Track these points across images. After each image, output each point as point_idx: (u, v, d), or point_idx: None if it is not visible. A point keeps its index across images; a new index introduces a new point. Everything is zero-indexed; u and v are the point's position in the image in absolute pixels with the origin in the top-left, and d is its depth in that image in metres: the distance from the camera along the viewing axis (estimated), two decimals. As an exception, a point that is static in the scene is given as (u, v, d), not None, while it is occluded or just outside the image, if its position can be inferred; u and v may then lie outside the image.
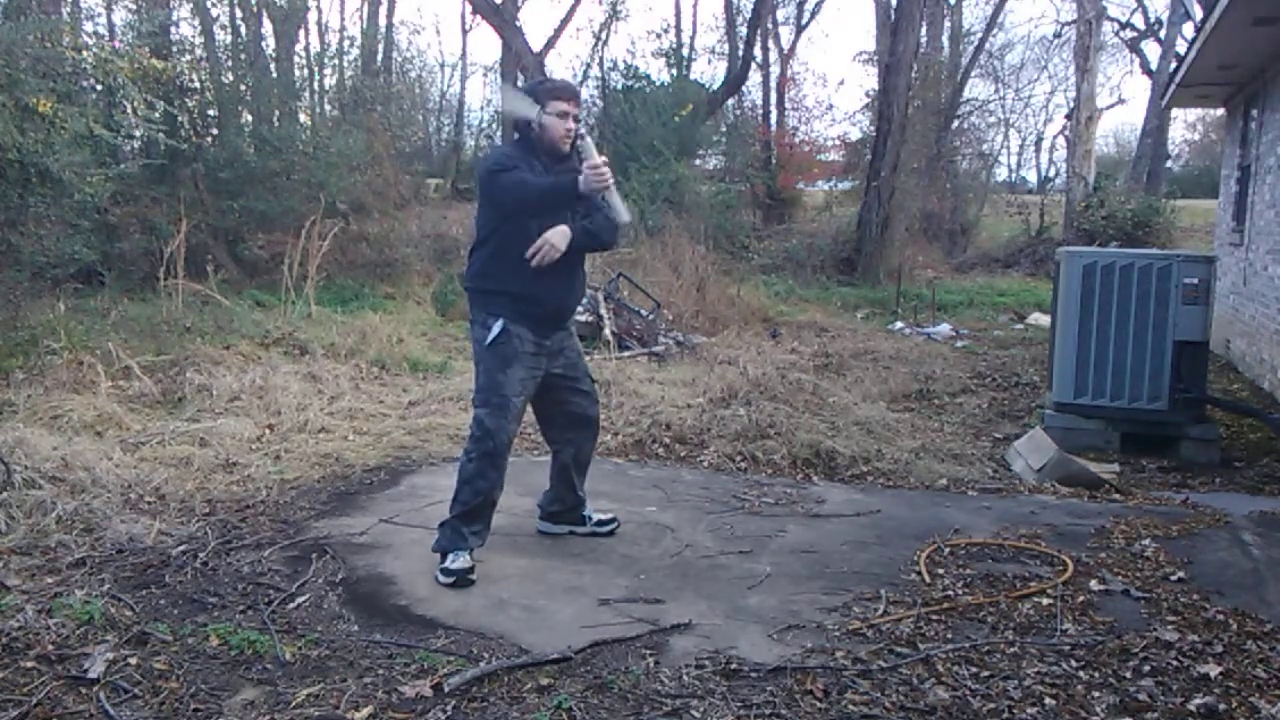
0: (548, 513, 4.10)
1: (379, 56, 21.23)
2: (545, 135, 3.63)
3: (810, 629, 3.18)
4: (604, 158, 3.54)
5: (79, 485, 4.30)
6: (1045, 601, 3.39)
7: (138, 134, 9.91)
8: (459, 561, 3.55)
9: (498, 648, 3.02)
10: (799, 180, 22.46)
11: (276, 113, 13.35)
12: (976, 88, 25.71)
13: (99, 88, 9.19)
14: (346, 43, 19.69)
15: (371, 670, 2.86)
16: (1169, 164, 32.37)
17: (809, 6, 26.04)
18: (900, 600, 3.41)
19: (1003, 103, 27.03)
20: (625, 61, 20.08)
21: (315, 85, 16.52)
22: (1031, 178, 36.57)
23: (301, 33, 16.53)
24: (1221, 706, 2.67)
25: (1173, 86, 10.97)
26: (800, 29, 26.08)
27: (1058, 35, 27.08)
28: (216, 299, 8.12)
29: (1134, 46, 30.83)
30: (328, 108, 16.80)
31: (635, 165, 15.95)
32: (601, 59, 20.70)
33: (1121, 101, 64.39)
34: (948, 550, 3.92)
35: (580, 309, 9.10)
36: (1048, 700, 2.71)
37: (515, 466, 5.11)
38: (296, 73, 15.15)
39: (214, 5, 13.22)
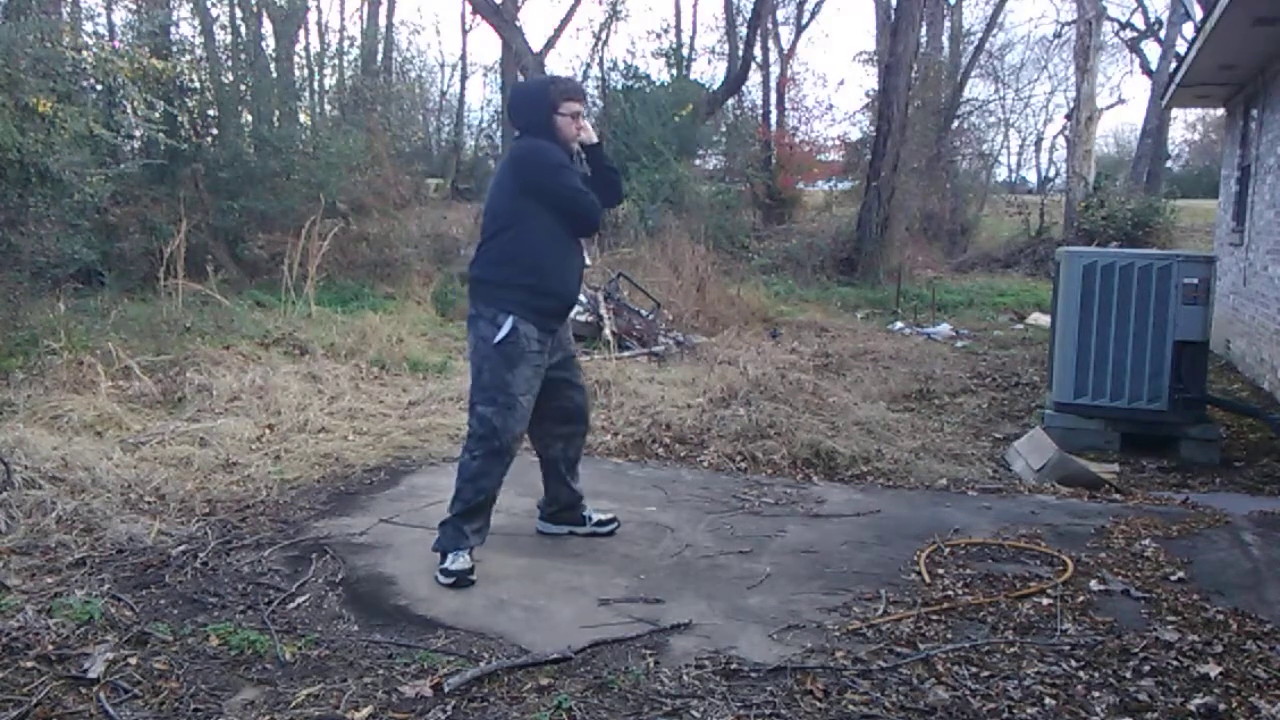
0: (547, 513, 4.10)
1: (379, 56, 21.24)
2: (558, 136, 3.65)
3: (810, 629, 3.18)
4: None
5: (79, 485, 4.30)
6: (1045, 601, 3.39)
7: (138, 134, 9.92)
8: (459, 562, 3.55)
9: (498, 648, 3.02)
10: (799, 180, 22.46)
11: (276, 113, 13.35)
12: (976, 88, 25.76)
13: (99, 88, 9.20)
14: (346, 43, 19.76)
15: (371, 670, 2.86)
16: (1169, 164, 32.39)
17: (809, 6, 26.09)
18: (900, 600, 3.41)
19: (1003, 103, 27.09)
20: (625, 61, 20.13)
21: (315, 85, 16.55)
22: (1031, 178, 36.61)
23: (301, 33, 16.56)
24: (1221, 706, 2.67)
25: (1173, 86, 10.97)
26: (800, 29, 26.12)
27: (1058, 35, 27.13)
28: (216, 299, 8.11)
29: (1134, 46, 30.84)
30: (328, 108, 16.83)
31: (635, 165, 15.95)
32: (601, 59, 20.73)
33: (1121, 101, 64.36)
34: (948, 550, 3.92)
35: (580, 309, 9.12)
36: (1048, 700, 2.71)
37: (515, 466, 5.08)
38: (296, 73, 15.17)
39: (214, 5, 13.24)
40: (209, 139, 12.36)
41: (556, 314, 3.70)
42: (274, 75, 13.86)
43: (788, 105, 24.48)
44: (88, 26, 11.91)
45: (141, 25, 11.55)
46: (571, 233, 3.71)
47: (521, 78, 18.35)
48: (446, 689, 2.71)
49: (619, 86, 18.54)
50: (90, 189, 7.56)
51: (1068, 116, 22.64)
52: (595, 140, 3.78)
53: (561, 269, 3.65)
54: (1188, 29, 21.25)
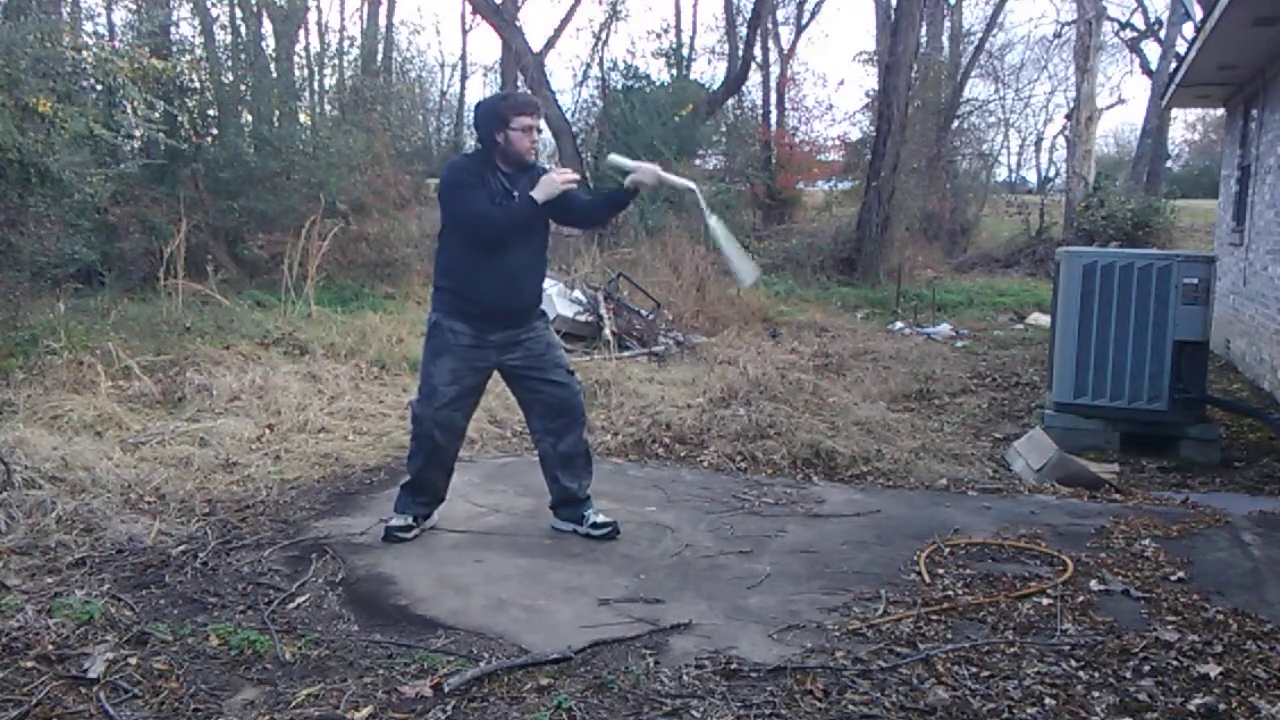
0: (552, 506, 4.17)
1: (379, 56, 21.20)
2: (511, 149, 3.83)
3: (810, 629, 3.18)
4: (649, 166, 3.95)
5: (79, 485, 4.30)
6: (1045, 601, 3.39)
7: (138, 134, 9.90)
8: (395, 520, 3.97)
9: (498, 648, 3.02)
10: (799, 180, 22.45)
11: (276, 113, 13.33)
12: (976, 88, 25.75)
13: (99, 88, 9.19)
14: (346, 43, 19.71)
15: (371, 670, 2.86)
16: (1169, 164, 32.37)
17: (809, 6, 26.07)
18: (900, 600, 3.41)
19: (1003, 103, 27.09)
20: (625, 61, 20.08)
21: (315, 85, 16.50)
22: (1031, 178, 36.59)
23: (301, 33, 16.51)
24: (1221, 706, 2.67)
25: (1173, 86, 10.97)
26: (800, 29, 26.11)
27: (1058, 35, 27.12)
28: (216, 299, 8.12)
29: (1134, 46, 30.82)
30: (328, 108, 16.79)
31: (635, 165, 15.90)
32: (601, 59, 20.70)
33: (1121, 101, 64.30)
34: (948, 550, 3.92)
35: (580, 309, 9.11)
36: (1048, 700, 2.71)
37: (514, 466, 5.13)
38: (296, 73, 15.13)
39: (214, 5, 13.21)
40: (209, 139, 12.34)
41: (483, 318, 3.85)
42: (274, 75, 13.83)
43: (788, 105, 24.50)
44: (88, 26, 11.90)
45: (141, 25, 11.52)
46: (528, 241, 3.90)
47: (521, 78, 18.38)
48: (446, 689, 2.71)
49: (619, 86, 18.53)
50: (90, 189, 7.55)
51: (1068, 116, 22.64)
52: (574, 182, 3.93)
53: (481, 278, 3.81)
54: (1188, 29, 21.25)
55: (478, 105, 4.07)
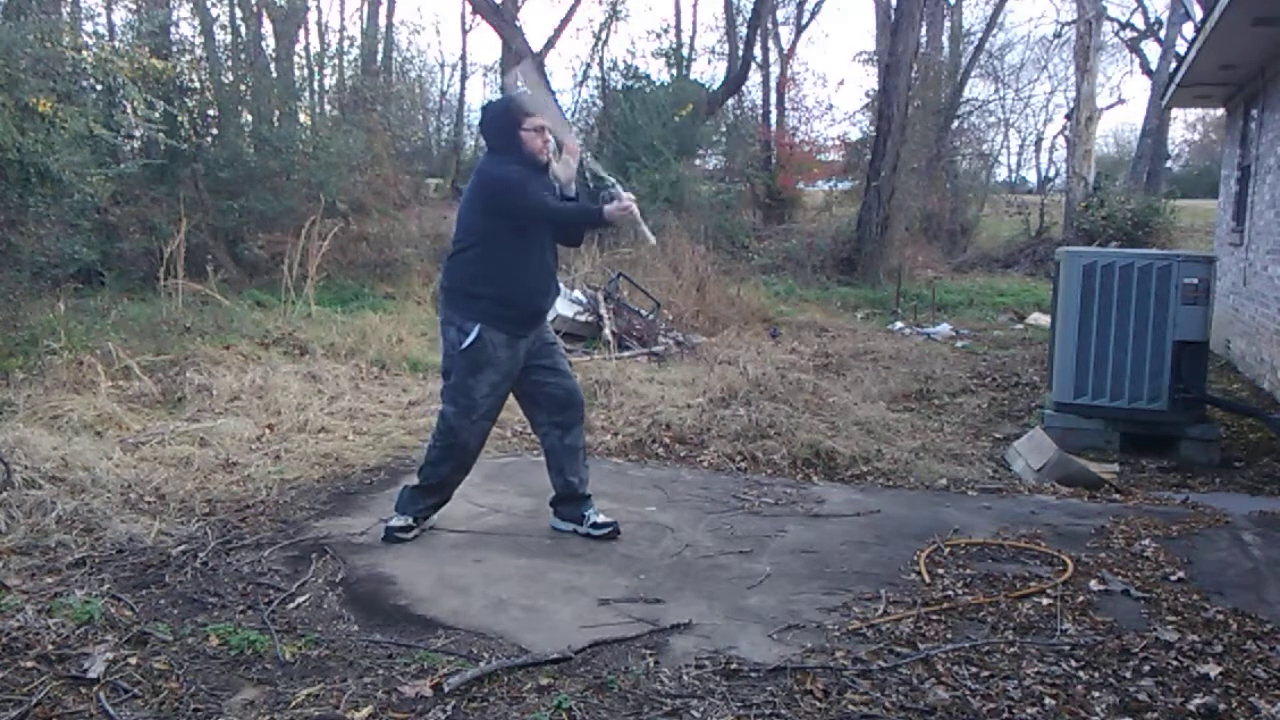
0: (552, 503, 4.16)
1: (379, 56, 21.19)
2: (525, 150, 3.83)
3: (810, 629, 3.18)
4: (630, 195, 3.85)
5: (79, 485, 4.30)
6: (1045, 601, 3.40)
7: (138, 134, 9.90)
8: (396, 520, 3.96)
9: (498, 648, 3.02)
10: (799, 180, 22.45)
11: (276, 113, 13.34)
12: (976, 88, 25.76)
13: (99, 88, 9.19)
14: (346, 43, 19.68)
15: (371, 670, 2.86)
16: (1169, 164, 32.37)
17: (809, 6, 26.05)
18: (900, 600, 3.41)
19: (1003, 103, 27.10)
20: (625, 61, 20.07)
21: (315, 85, 16.50)
22: (1031, 178, 36.57)
23: (301, 33, 16.52)
24: (1221, 706, 2.67)
25: (1173, 86, 10.97)
26: (800, 29, 26.09)
27: (1058, 35, 27.13)
28: (216, 299, 8.12)
29: (1134, 46, 30.82)
30: (328, 108, 16.79)
31: (635, 165, 15.94)
32: (601, 59, 20.71)
33: (1121, 101, 64.37)
34: (948, 550, 3.92)
35: (580, 309, 9.11)
36: (1048, 700, 2.71)
37: (515, 466, 5.13)
38: (296, 73, 15.13)
39: (214, 5, 13.21)
40: (209, 139, 12.34)
41: (522, 321, 3.89)
42: (274, 75, 13.84)
43: (788, 105, 24.47)
44: (88, 26, 11.90)
45: (141, 25, 11.54)
46: (549, 242, 3.93)
47: (522, 78, 18.32)
48: (446, 689, 2.71)
49: (619, 86, 18.53)
50: (90, 189, 7.55)
51: (1068, 116, 22.65)
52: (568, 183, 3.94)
53: (526, 281, 3.85)
54: (1188, 29, 21.25)
55: (486, 108, 4.05)
